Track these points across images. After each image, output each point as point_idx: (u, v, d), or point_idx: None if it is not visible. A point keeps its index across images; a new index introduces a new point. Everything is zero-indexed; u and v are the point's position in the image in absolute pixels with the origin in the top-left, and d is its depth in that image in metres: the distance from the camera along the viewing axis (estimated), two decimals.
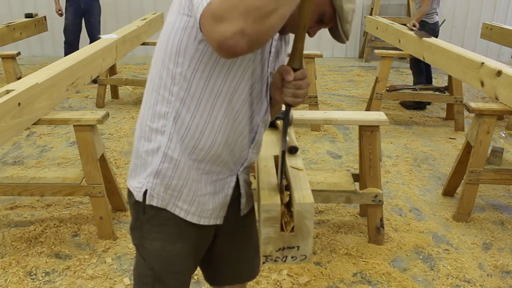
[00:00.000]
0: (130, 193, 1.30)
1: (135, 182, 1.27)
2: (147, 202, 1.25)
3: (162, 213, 1.26)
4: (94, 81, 5.46)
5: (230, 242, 1.43)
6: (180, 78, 1.14)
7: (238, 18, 0.90)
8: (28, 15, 5.54)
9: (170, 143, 1.19)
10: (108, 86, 5.40)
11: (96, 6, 5.98)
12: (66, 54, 5.43)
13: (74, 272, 2.43)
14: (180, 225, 1.27)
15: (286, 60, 1.33)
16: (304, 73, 1.18)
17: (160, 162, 1.21)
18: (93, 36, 5.78)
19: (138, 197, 1.26)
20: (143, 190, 1.24)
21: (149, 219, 1.27)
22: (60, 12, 6.09)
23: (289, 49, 1.26)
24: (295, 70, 1.17)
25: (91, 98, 5.51)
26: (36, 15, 5.64)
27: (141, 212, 1.27)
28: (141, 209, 1.27)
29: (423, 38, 4.15)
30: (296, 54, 1.16)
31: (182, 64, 1.13)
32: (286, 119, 1.28)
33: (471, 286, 2.39)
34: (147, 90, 1.24)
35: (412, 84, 5.16)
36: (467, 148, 3.04)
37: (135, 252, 1.38)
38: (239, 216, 1.39)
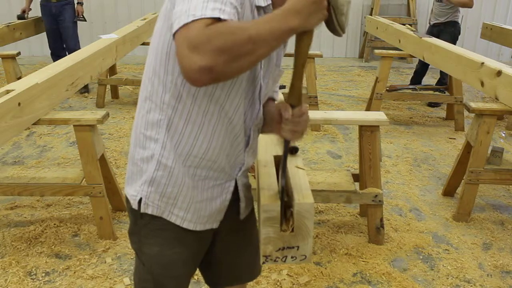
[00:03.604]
0: (127, 200, 1.30)
1: (131, 190, 1.27)
2: (142, 211, 1.24)
3: (158, 219, 1.25)
4: (84, 91, 5.43)
5: (229, 245, 1.43)
6: (171, 85, 1.13)
7: (210, 54, 0.88)
8: (20, 17, 5.48)
9: (164, 151, 1.19)
10: (108, 86, 5.39)
11: (68, 10, 5.47)
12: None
13: (74, 272, 2.43)
14: (178, 230, 1.27)
15: (282, 61, 1.33)
16: (302, 111, 1.17)
17: (154, 170, 1.20)
18: (68, 45, 5.45)
19: (134, 205, 1.25)
20: (138, 198, 1.24)
21: (146, 224, 1.27)
22: (24, 13, 5.59)
23: (289, 50, 1.25)
24: (293, 106, 1.16)
25: (91, 98, 5.51)
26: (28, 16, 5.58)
27: (138, 217, 1.27)
28: (138, 214, 1.27)
29: (423, 38, 4.15)
30: (294, 91, 1.16)
31: (172, 72, 1.12)
32: (285, 153, 1.27)
33: (471, 286, 2.39)
34: (141, 97, 1.23)
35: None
36: (467, 148, 3.04)
37: (132, 249, 1.39)
38: (238, 220, 1.38)
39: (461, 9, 5.16)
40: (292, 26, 0.98)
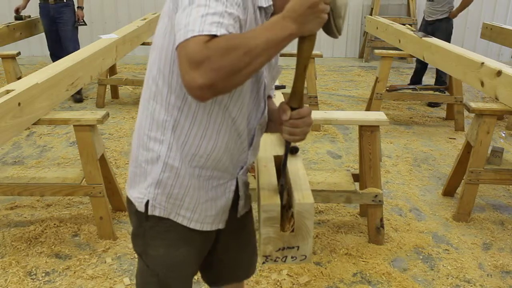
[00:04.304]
0: (130, 202, 1.29)
1: (136, 192, 1.26)
2: (149, 213, 1.24)
3: (165, 220, 1.25)
4: (78, 100, 5.38)
5: (230, 244, 1.43)
6: (177, 86, 1.13)
7: (210, 72, 0.90)
8: (17, 18, 5.45)
9: (170, 152, 1.18)
10: (108, 86, 5.39)
11: (67, 12, 5.32)
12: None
13: (74, 272, 2.43)
14: (184, 231, 1.27)
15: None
16: (300, 113, 1.18)
17: (160, 171, 1.20)
18: (67, 47, 5.23)
19: (140, 207, 1.24)
20: (145, 200, 1.23)
21: (152, 226, 1.27)
22: (18, 11, 5.50)
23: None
24: (293, 109, 1.18)
25: (91, 98, 5.51)
26: (28, 16, 5.55)
27: (143, 220, 1.26)
28: (143, 217, 1.26)
29: (423, 38, 4.15)
30: (295, 93, 1.18)
31: (178, 72, 1.11)
32: (286, 153, 1.29)
33: (471, 286, 2.39)
34: (144, 97, 1.22)
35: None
36: (467, 148, 3.04)
37: (135, 252, 1.38)
38: (238, 219, 1.39)
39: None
40: (289, 33, 0.99)
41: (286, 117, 1.18)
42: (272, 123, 1.33)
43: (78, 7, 5.47)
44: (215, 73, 0.90)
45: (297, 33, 1.01)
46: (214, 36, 0.92)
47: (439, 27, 5.17)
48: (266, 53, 0.96)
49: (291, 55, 1.22)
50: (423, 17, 5.55)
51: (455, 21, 7.53)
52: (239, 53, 0.91)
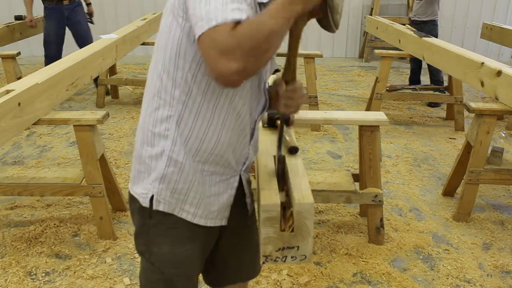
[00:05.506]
0: (133, 199, 1.29)
1: (140, 188, 1.26)
2: (154, 208, 1.24)
3: (169, 216, 1.25)
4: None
5: (233, 242, 1.43)
6: (181, 81, 1.14)
7: (241, 57, 0.93)
8: (17, 17, 5.42)
9: (174, 147, 1.19)
10: (108, 86, 5.39)
11: (80, 11, 5.30)
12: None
13: (74, 272, 2.43)
14: (188, 227, 1.27)
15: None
16: (295, 87, 1.27)
17: (165, 166, 1.20)
18: (86, 44, 4.91)
19: (145, 203, 1.24)
20: (150, 195, 1.23)
21: (156, 224, 1.27)
22: (31, 23, 5.37)
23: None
24: (287, 83, 1.27)
25: (91, 98, 5.51)
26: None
27: (147, 217, 1.26)
28: (147, 214, 1.26)
29: (423, 38, 4.16)
30: (289, 68, 1.26)
31: (183, 67, 1.13)
32: (281, 126, 1.38)
33: (471, 286, 2.39)
34: (147, 94, 1.23)
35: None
36: (467, 148, 3.04)
37: (135, 252, 1.38)
38: (243, 216, 1.40)
39: (443, 8, 5.23)
40: (298, 11, 1.03)
41: (282, 90, 1.26)
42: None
43: (88, 4, 5.48)
44: (247, 57, 0.94)
45: (303, 10, 1.05)
46: (238, 22, 0.95)
47: (423, 29, 5.15)
48: (284, 33, 1.02)
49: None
50: (409, 17, 5.57)
51: (456, 21, 7.58)
52: (265, 34, 0.95)
